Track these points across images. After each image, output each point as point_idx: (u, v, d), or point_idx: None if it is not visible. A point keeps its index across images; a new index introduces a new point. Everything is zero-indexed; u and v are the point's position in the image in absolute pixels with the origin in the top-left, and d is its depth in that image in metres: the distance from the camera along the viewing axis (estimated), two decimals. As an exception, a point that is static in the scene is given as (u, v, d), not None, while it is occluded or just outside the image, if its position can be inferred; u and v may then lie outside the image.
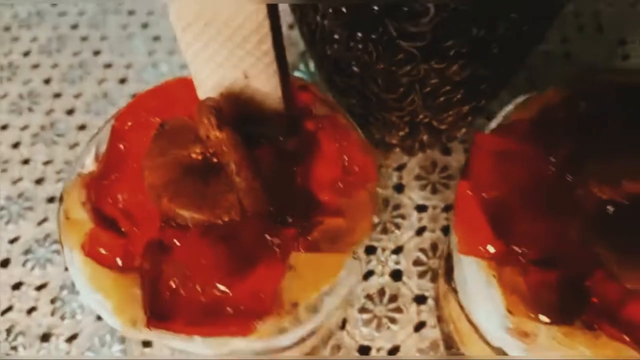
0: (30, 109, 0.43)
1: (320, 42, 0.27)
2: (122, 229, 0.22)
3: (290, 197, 0.22)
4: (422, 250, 0.36)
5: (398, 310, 0.35)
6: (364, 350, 0.33)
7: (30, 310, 0.35)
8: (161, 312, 0.19)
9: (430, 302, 0.34)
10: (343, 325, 0.34)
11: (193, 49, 0.22)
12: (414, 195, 0.39)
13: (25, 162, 0.41)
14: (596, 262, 0.19)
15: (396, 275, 0.36)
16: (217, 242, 0.20)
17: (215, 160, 0.22)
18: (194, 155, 0.22)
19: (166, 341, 0.20)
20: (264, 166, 0.21)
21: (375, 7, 0.22)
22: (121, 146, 0.23)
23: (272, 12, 0.21)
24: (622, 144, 0.20)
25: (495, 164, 0.21)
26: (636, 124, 0.20)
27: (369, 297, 0.35)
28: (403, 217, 0.38)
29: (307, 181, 0.22)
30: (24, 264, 0.36)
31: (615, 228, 0.19)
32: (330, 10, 0.24)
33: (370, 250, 0.37)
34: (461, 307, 0.26)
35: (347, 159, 0.23)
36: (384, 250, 0.37)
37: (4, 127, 0.43)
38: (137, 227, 0.21)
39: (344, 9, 0.23)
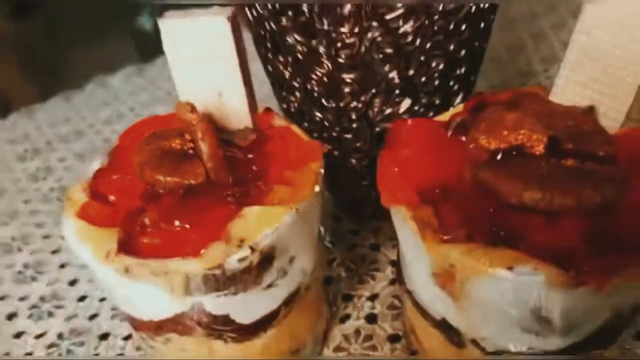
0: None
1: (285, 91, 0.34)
2: (110, 201, 0.26)
3: (247, 173, 0.27)
4: (395, 296, 0.38)
5: (373, 348, 0.36)
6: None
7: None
8: (130, 244, 0.23)
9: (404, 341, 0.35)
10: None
11: (179, 73, 0.29)
12: (388, 252, 0.42)
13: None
14: (487, 192, 0.23)
15: (371, 318, 0.37)
16: (184, 197, 0.25)
17: (191, 151, 0.28)
18: (173, 145, 0.28)
19: (133, 279, 0.24)
20: (230, 158, 0.27)
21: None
22: (119, 152, 0.29)
23: (237, 37, 0.28)
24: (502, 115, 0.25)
25: (408, 137, 0.26)
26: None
27: (345, 337, 0.36)
28: (378, 270, 0.41)
29: (265, 165, 0.27)
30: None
31: (497, 164, 0.23)
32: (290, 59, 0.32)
33: (348, 298, 0.39)
34: (409, 294, 0.28)
35: (296, 149, 0.28)
36: (359, 297, 0.39)
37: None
38: (122, 200, 0.26)
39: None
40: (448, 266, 0.23)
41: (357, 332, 0.37)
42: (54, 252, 0.45)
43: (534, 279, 0.21)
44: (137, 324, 0.28)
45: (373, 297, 0.39)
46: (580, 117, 0.24)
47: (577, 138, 0.24)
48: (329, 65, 0.32)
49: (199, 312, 0.26)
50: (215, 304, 0.26)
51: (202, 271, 0.23)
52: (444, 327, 0.26)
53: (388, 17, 0.29)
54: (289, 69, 0.34)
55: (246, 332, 0.28)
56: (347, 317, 0.38)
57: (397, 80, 0.32)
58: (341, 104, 0.34)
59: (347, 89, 0.33)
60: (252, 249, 0.24)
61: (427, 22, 0.30)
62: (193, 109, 0.27)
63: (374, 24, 0.29)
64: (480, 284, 0.22)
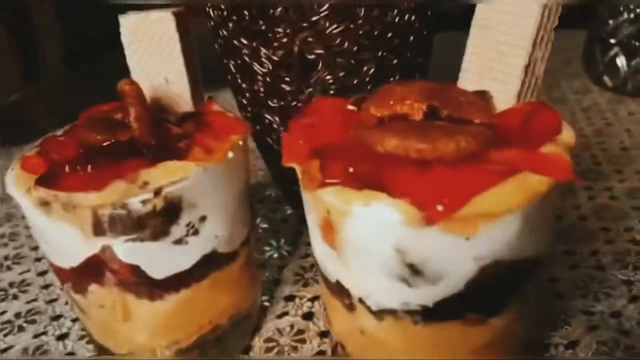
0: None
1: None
2: (50, 157, 0.30)
3: (173, 139, 0.30)
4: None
5: (302, 341, 0.36)
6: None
7: None
8: (47, 180, 0.26)
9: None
10: (247, 351, 0.36)
11: (133, 62, 0.34)
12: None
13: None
14: (363, 146, 0.25)
15: (307, 316, 0.38)
16: (105, 148, 0.28)
17: (127, 121, 0.31)
18: (114, 116, 0.31)
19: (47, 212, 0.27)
20: (160, 127, 0.30)
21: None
22: (74, 126, 0.33)
23: (182, 32, 0.33)
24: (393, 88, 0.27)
25: (316, 109, 0.29)
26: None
27: (278, 330, 0.37)
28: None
29: (190, 135, 0.30)
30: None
31: (377, 125, 0.26)
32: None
33: (290, 299, 0.40)
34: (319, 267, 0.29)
35: (222, 125, 0.31)
36: (301, 298, 0.40)
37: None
38: (59, 155, 0.30)
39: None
40: (326, 214, 0.25)
41: (291, 326, 0.37)
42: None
43: (392, 217, 0.22)
44: (62, 276, 0.30)
45: (315, 299, 0.40)
46: (464, 93, 0.27)
47: (454, 107, 0.26)
48: (270, 65, 0.36)
49: (110, 258, 0.28)
50: (125, 250, 0.28)
51: (107, 208, 0.26)
52: (338, 290, 0.27)
53: (313, 18, 0.33)
54: (238, 72, 0.38)
55: (158, 287, 0.30)
56: (285, 314, 0.39)
57: (330, 81, 0.35)
58: (282, 103, 0.37)
59: (287, 88, 0.36)
60: (156, 193, 0.27)
61: (351, 25, 0.33)
62: (130, 82, 0.30)
63: (304, 24, 0.33)
64: (349, 228, 0.24)
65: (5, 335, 0.37)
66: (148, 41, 0.33)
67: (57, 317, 0.39)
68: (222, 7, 0.35)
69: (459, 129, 0.24)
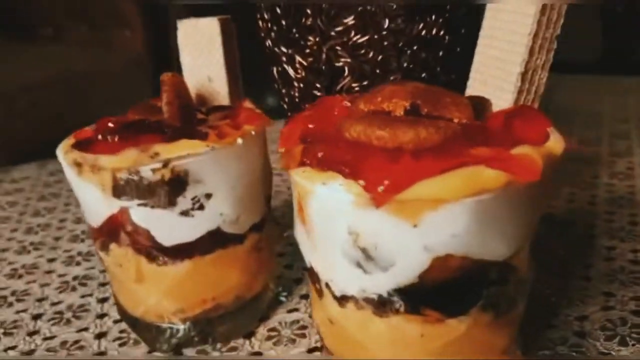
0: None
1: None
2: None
3: (198, 125, 0.34)
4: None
5: (302, 335, 0.37)
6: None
7: None
8: (81, 145, 0.31)
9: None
10: (250, 336, 0.38)
11: (185, 61, 0.39)
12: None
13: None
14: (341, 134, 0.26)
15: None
16: (135, 124, 0.33)
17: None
18: (158, 104, 0.36)
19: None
20: (191, 114, 0.35)
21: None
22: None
23: (226, 36, 0.37)
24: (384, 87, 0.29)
25: (317, 105, 0.31)
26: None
27: (284, 323, 0.39)
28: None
29: (215, 123, 0.34)
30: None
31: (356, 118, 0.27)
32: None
33: (305, 297, 0.41)
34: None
35: (244, 117, 0.35)
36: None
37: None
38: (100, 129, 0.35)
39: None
40: (298, 194, 0.27)
41: (297, 321, 0.39)
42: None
43: (344, 197, 0.23)
44: (93, 234, 0.35)
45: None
46: (451, 95, 0.27)
47: (435, 106, 0.26)
48: (302, 71, 0.39)
49: (126, 219, 0.32)
50: (138, 214, 0.32)
51: (123, 172, 0.30)
52: (311, 275, 0.29)
53: (340, 28, 0.35)
54: (279, 78, 0.41)
55: (165, 254, 0.33)
56: (295, 310, 0.40)
57: (357, 88, 0.37)
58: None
59: (318, 93, 0.39)
60: (164, 164, 0.30)
61: (376, 36, 0.35)
62: (170, 75, 0.35)
63: (332, 33, 0.36)
64: (312, 207, 0.25)
65: (52, 325, 0.42)
66: (197, 44, 0.38)
67: (102, 316, 0.42)
68: (266, 17, 0.39)
69: (424, 121, 0.24)
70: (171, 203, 0.32)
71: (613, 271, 0.41)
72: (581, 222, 0.49)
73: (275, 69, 0.41)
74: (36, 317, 0.43)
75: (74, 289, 0.46)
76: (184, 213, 0.32)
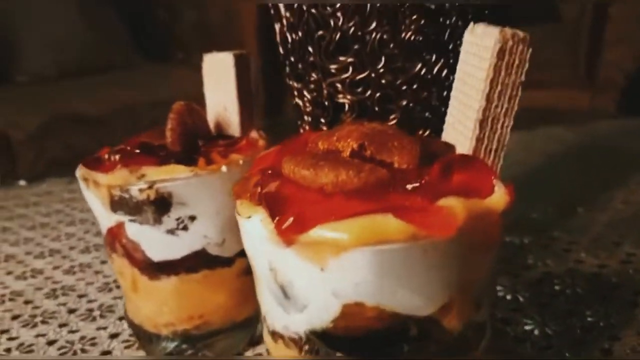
0: None
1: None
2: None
3: (199, 151, 0.36)
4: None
5: None
6: None
7: None
8: (88, 163, 0.35)
9: None
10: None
11: (207, 92, 0.42)
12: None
13: None
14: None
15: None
16: (139, 149, 0.36)
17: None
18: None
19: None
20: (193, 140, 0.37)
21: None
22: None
23: (240, 70, 0.39)
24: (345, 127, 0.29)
25: (291, 140, 0.32)
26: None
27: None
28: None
29: (213, 151, 0.36)
30: None
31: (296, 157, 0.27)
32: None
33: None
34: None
35: (239, 148, 0.36)
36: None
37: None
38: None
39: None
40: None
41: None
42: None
43: (262, 232, 0.24)
44: (105, 241, 0.39)
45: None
46: (402, 140, 0.26)
47: (380, 150, 0.26)
48: (310, 106, 0.39)
49: (121, 232, 0.35)
50: (131, 229, 0.35)
51: (116, 190, 0.33)
52: (261, 305, 0.29)
53: (337, 66, 0.36)
54: (294, 110, 0.42)
55: (154, 269, 0.36)
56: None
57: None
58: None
59: (324, 128, 0.39)
60: (149, 186, 0.33)
61: (373, 75, 0.35)
62: (182, 104, 0.38)
63: (332, 70, 0.36)
64: (245, 239, 0.26)
65: (81, 320, 0.46)
66: (215, 75, 0.41)
67: (122, 318, 0.46)
68: (281, 52, 0.40)
69: (350, 164, 0.24)
70: (157, 221, 0.34)
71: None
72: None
73: (291, 102, 0.43)
74: (71, 311, 0.48)
75: (110, 290, 0.51)
76: (170, 232, 0.35)
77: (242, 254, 0.36)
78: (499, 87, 0.25)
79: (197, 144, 0.37)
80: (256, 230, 0.24)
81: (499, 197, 0.24)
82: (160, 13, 2.30)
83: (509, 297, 0.44)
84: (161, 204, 0.34)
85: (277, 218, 0.23)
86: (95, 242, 0.62)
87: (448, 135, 0.29)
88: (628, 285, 0.45)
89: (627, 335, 0.38)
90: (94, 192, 0.35)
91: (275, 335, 0.27)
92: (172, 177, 0.33)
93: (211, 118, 0.41)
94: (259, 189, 0.26)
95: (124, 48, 2.15)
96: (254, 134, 0.39)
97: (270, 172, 0.28)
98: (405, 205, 0.22)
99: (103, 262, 0.57)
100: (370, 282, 0.22)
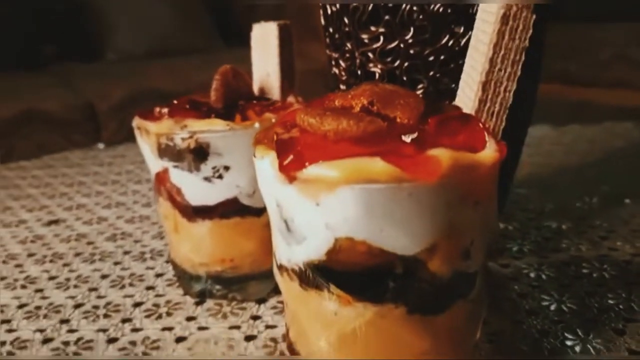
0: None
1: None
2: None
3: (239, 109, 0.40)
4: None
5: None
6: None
7: None
8: (142, 114, 0.40)
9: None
10: (260, 302, 0.43)
11: (254, 58, 0.45)
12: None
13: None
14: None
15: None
16: (187, 103, 0.40)
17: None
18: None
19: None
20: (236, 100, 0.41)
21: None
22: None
23: (283, 39, 0.42)
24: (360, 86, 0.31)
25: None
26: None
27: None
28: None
29: (252, 110, 0.40)
30: None
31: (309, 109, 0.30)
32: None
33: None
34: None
35: (274, 109, 0.40)
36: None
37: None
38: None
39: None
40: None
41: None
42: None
43: (270, 171, 0.27)
44: (154, 185, 0.44)
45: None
46: (408, 98, 0.28)
47: (386, 106, 0.28)
48: (345, 74, 0.42)
49: (167, 177, 0.40)
50: (174, 174, 0.39)
51: (163, 138, 0.38)
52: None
53: (371, 36, 0.38)
54: (331, 79, 0.45)
55: (193, 212, 0.40)
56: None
57: (385, 94, 0.39)
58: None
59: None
60: (190, 135, 0.37)
61: (401, 45, 0.37)
62: (227, 68, 0.42)
63: (365, 40, 0.39)
64: (259, 179, 0.29)
65: (133, 260, 0.52)
66: (261, 44, 0.44)
67: (168, 261, 0.50)
68: (323, 24, 0.43)
69: (354, 115, 0.27)
70: (196, 168, 0.38)
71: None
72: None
73: (330, 72, 0.45)
74: (126, 253, 0.54)
75: (162, 238, 0.56)
76: (207, 179, 0.39)
77: (271, 206, 0.40)
78: (502, 51, 0.27)
79: (238, 104, 0.41)
80: (266, 169, 0.27)
81: (489, 152, 0.25)
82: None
83: (532, 274, 0.45)
84: (199, 153, 0.38)
85: (282, 156, 0.26)
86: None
87: (459, 98, 0.30)
88: (660, 275, 0.44)
89: (645, 319, 0.38)
90: (146, 139, 0.40)
91: (281, 268, 0.30)
92: (210, 129, 0.37)
93: (255, 83, 0.45)
94: (275, 136, 0.29)
95: (206, 32, 2.26)
96: (291, 98, 0.43)
97: (288, 124, 0.31)
98: (395, 151, 0.24)
99: (160, 215, 0.63)
100: (358, 218, 0.25)
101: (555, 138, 0.85)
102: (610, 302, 0.40)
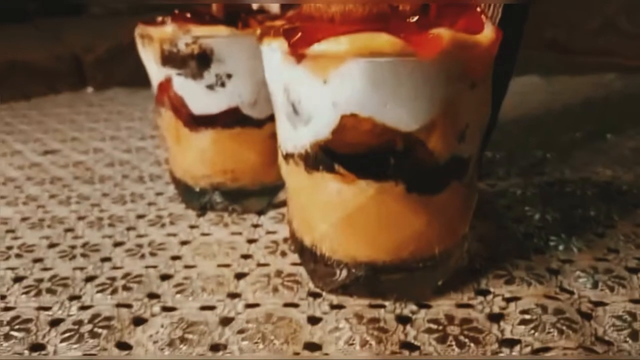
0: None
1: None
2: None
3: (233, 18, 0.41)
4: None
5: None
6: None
7: None
8: (148, 21, 0.41)
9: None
10: (260, 213, 0.44)
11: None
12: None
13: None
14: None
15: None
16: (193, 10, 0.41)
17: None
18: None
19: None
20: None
21: None
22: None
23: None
24: None
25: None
26: None
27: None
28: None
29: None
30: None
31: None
32: None
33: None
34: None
35: (276, 19, 0.41)
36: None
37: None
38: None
39: None
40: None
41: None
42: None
43: (277, 55, 0.28)
44: (155, 103, 0.45)
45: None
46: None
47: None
48: None
49: (169, 86, 0.41)
50: (177, 82, 0.40)
51: (166, 44, 0.38)
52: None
53: None
54: None
55: (195, 121, 0.41)
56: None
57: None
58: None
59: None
60: (194, 41, 0.38)
61: None
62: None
63: None
64: (267, 68, 0.31)
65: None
66: (263, -40, 0.45)
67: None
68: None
69: (360, 0, 0.28)
70: (199, 75, 0.39)
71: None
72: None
73: None
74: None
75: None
76: (209, 87, 0.40)
77: (271, 118, 0.41)
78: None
79: (239, 15, 0.41)
80: (274, 54, 0.29)
81: (486, 34, 0.27)
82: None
83: (518, 192, 0.47)
84: (203, 59, 0.39)
85: (288, 39, 0.27)
86: (151, 134, 0.69)
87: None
88: (638, 192, 0.46)
89: (624, 225, 0.40)
90: (149, 47, 0.40)
91: (287, 157, 0.31)
92: (213, 34, 0.38)
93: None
94: (280, 25, 0.30)
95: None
96: (290, 13, 0.43)
97: (292, 19, 0.32)
98: (399, 29, 0.26)
99: (156, 147, 0.63)
100: (364, 92, 0.26)
101: (543, 86, 0.87)
102: (592, 213, 0.43)
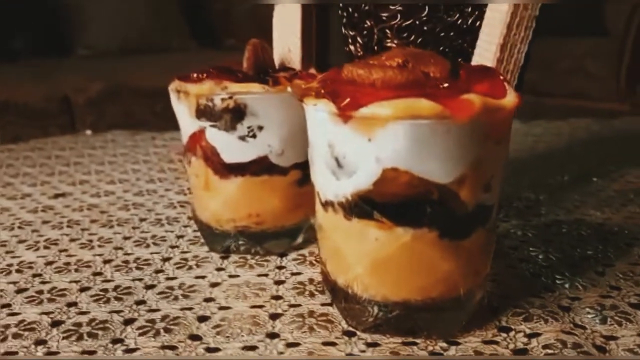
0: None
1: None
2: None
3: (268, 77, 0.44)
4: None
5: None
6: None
7: None
8: (181, 77, 0.44)
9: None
10: (282, 255, 0.47)
11: (275, 35, 0.50)
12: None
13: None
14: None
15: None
16: (225, 70, 0.44)
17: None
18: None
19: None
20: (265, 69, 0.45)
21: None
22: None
23: (305, 17, 0.47)
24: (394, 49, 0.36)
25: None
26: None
27: (311, 251, 0.47)
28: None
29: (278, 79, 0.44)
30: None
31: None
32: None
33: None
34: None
35: (300, 78, 0.44)
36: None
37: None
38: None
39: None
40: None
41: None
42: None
43: (323, 115, 0.32)
44: (184, 151, 0.47)
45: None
46: (436, 58, 0.34)
47: (420, 63, 0.33)
48: (361, 50, 0.47)
49: (202, 137, 0.44)
50: (210, 134, 0.43)
51: (202, 99, 0.41)
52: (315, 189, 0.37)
53: (389, 14, 0.43)
54: (346, 57, 0.50)
55: (226, 169, 0.44)
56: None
57: (400, 67, 0.45)
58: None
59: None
60: (230, 96, 0.41)
61: (417, 22, 0.43)
62: (255, 41, 0.46)
63: (384, 18, 0.44)
64: (309, 125, 0.34)
65: (151, 226, 0.55)
66: (284, 22, 0.49)
67: (186, 225, 0.56)
68: (340, 5, 0.48)
69: (397, 67, 0.32)
70: (232, 128, 0.42)
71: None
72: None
73: (345, 49, 0.50)
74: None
75: (174, 207, 0.60)
76: (242, 138, 0.43)
77: (296, 166, 0.45)
78: (518, 18, 0.32)
79: (267, 72, 0.45)
80: (320, 113, 0.32)
81: (509, 99, 0.31)
82: (216, 2, 2.42)
83: (519, 233, 0.51)
84: (237, 113, 0.42)
85: (338, 100, 0.31)
86: (159, 176, 0.71)
87: (475, 59, 0.36)
88: (629, 232, 0.50)
89: (620, 263, 0.44)
90: (184, 101, 0.43)
91: (326, 204, 0.34)
92: (248, 91, 0.41)
93: (276, 58, 0.49)
94: (320, 87, 0.33)
95: (180, 33, 2.27)
96: (312, 70, 0.47)
97: (327, 80, 0.35)
98: (435, 94, 0.29)
99: (167, 190, 0.66)
100: (405, 149, 0.29)
101: (524, 130, 0.93)
102: (589, 252, 0.47)
